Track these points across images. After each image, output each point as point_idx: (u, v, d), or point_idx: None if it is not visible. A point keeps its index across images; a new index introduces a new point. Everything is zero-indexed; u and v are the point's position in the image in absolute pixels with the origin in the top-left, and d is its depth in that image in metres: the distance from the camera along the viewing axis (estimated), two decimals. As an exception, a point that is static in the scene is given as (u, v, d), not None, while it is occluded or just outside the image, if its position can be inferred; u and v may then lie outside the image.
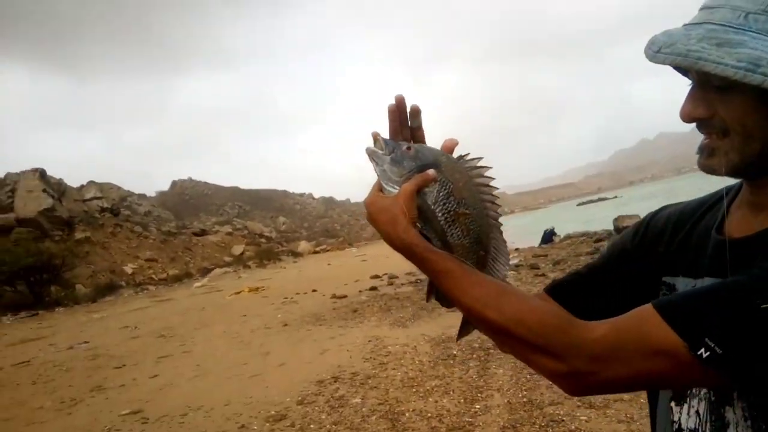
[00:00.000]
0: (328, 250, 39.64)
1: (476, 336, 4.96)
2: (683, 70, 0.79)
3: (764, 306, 0.60)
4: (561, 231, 22.21)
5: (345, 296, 11.58)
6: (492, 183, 0.93)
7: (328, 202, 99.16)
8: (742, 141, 0.72)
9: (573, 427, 3.64)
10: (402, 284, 12.35)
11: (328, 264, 24.77)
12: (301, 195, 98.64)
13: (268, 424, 4.51)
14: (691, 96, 0.75)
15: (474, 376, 4.95)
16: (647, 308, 0.68)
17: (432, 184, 0.87)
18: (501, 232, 0.96)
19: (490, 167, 0.93)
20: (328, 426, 4.29)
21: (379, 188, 0.89)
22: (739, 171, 0.75)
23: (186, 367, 7.04)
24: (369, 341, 6.95)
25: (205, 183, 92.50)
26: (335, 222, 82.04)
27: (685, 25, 0.75)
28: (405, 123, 0.91)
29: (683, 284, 0.86)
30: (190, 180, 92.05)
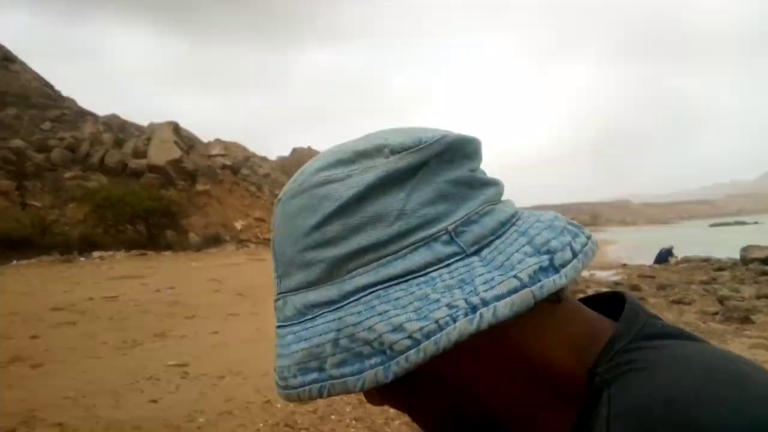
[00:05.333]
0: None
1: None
2: None
3: None
4: (681, 252, 20.22)
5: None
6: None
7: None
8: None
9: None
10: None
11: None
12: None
13: (292, 406, 4.34)
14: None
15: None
16: None
17: None
18: None
19: None
20: (347, 420, 4.05)
21: None
22: None
23: (246, 330, 7.15)
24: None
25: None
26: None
27: None
28: None
29: None
30: (310, 149, 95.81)
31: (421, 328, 0.39)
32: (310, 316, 0.43)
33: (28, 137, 30.05)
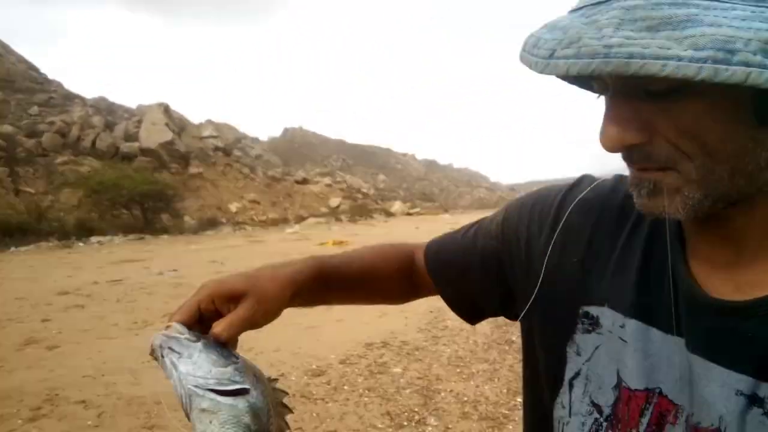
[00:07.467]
0: (421, 214, 39.68)
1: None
2: (583, 80, 0.49)
3: None
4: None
5: (422, 262, 11.47)
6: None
7: (430, 165, 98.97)
8: (702, 167, 0.44)
9: None
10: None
11: (416, 227, 24.71)
12: (404, 155, 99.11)
13: (305, 378, 4.52)
14: (616, 113, 0.45)
15: (526, 367, 4.65)
16: None
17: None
18: None
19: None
20: (360, 390, 4.22)
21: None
22: (704, 210, 0.46)
23: (252, 308, 7.30)
24: (430, 312, 6.78)
25: (314, 133, 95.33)
26: (434, 186, 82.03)
27: (573, 10, 0.43)
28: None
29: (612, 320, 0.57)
30: (301, 129, 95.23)
31: None
32: None
33: (17, 122, 29.73)
